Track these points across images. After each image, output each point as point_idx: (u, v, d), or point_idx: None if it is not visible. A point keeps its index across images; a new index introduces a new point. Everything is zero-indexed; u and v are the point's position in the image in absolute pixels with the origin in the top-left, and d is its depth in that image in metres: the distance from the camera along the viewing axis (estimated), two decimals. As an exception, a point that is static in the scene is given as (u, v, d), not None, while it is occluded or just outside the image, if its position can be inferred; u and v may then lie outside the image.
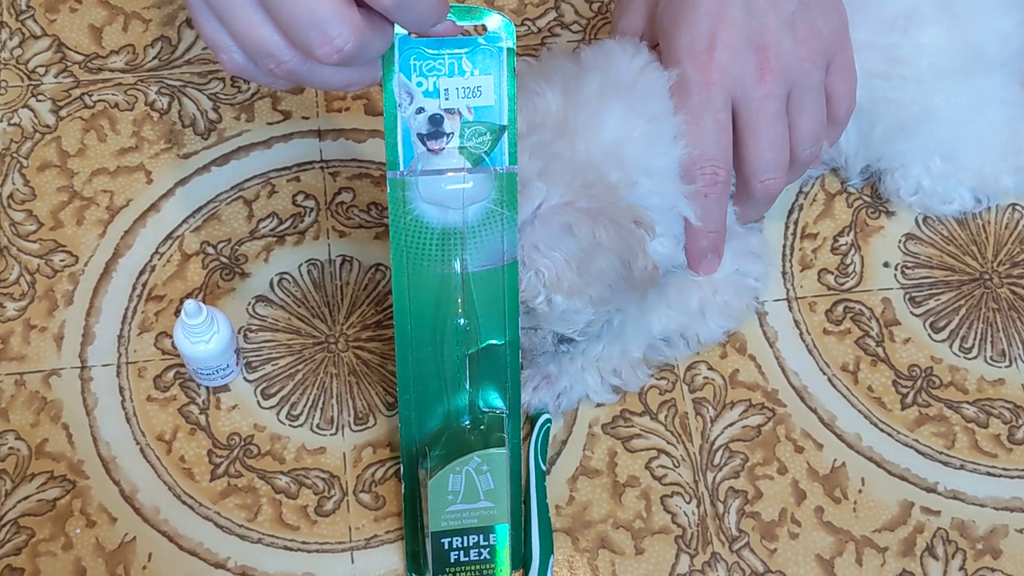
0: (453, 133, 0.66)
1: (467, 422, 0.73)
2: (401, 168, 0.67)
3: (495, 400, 0.73)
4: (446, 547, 0.71)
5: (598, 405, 0.82)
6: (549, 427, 0.80)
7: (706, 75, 0.74)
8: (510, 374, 0.72)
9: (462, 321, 0.70)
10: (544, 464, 0.79)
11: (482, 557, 0.72)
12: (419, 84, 0.65)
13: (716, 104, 0.74)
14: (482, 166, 0.67)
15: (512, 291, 0.70)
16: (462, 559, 0.72)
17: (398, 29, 0.63)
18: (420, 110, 0.66)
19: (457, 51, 0.65)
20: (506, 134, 0.67)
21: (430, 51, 0.64)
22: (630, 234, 0.70)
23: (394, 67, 0.64)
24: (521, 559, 0.76)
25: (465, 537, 0.72)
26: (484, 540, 0.72)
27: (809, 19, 0.75)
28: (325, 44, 0.57)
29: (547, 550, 0.76)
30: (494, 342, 0.71)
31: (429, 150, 0.67)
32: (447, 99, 0.66)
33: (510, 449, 0.72)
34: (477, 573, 0.73)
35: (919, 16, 0.82)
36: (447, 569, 0.72)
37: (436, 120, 0.66)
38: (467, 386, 0.72)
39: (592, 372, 0.80)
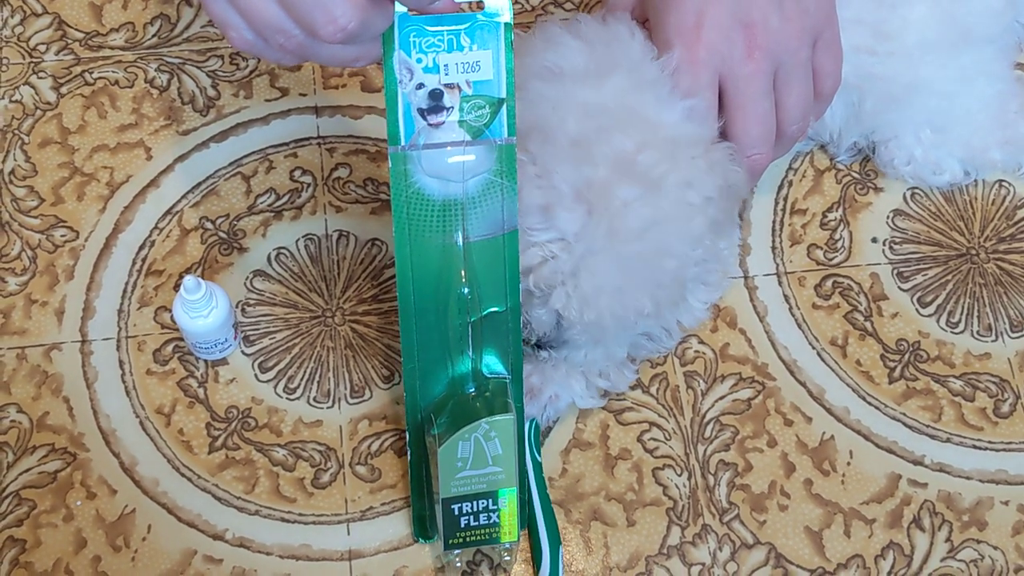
0: (453, 107, 0.65)
1: (472, 389, 0.71)
2: (402, 142, 0.65)
3: (497, 366, 0.71)
4: (456, 513, 0.70)
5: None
6: (536, 421, 0.77)
7: (694, 53, 0.72)
8: (512, 340, 0.71)
9: (465, 290, 0.69)
10: (540, 456, 0.76)
11: (491, 521, 0.70)
12: (419, 60, 0.63)
13: (703, 82, 0.72)
14: (482, 138, 0.65)
15: (512, 259, 0.68)
16: (471, 524, 0.70)
17: (398, 7, 0.61)
18: (420, 85, 0.64)
19: (456, 27, 0.63)
20: (505, 107, 0.65)
21: (429, 28, 0.63)
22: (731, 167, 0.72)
23: (394, 44, 0.63)
24: (526, 521, 0.74)
25: (474, 502, 0.70)
26: (492, 504, 0.70)
27: None
28: (329, 23, 0.57)
29: (555, 542, 0.73)
30: (495, 309, 0.70)
31: (430, 124, 0.65)
32: (446, 74, 0.64)
33: (515, 414, 0.70)
34: (485, 536, 0.71)
35: None
36: (457, 534, 0.70)
37: (436, 95, 0.64)
38: (470, 353, 0.70)
39: (577, 378, 0.77)
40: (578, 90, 0.70)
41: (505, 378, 0.71)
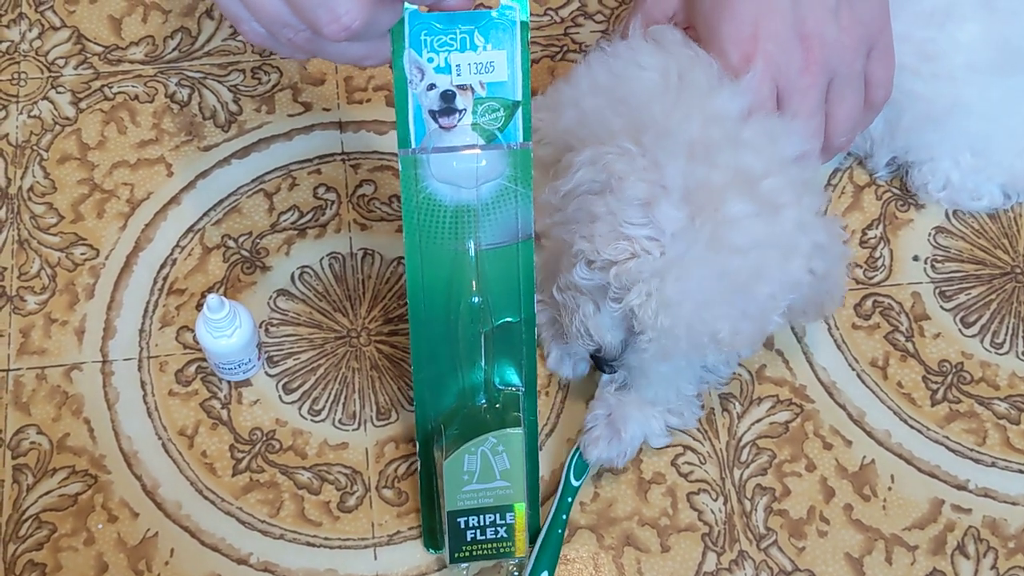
0: (465, 109, 0.66)
1: (483, 401, 0.73)
2: (413, 146, 0.66)
3: (511, 377, 0.73)
4: (462, 526, 0.71)
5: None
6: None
7: (751, 64, 0.74)
8: (525, 351, 0.72)
9: (476, 299, 0.70)
10: (577, 481, 0.77)
11: (499, 536, 0.72)
12: (430, 60, 0.64)
13: (764, 93, 0.74)
14: (495, 143, 0.66)
15: (527, 268, 0.70)
16: (479, 538, 0.72)
17: (407, 3, 0.62)
18: (431, 86, 0.65)
19: (469, 26, 0.64)
20: (520, 110, 0.66)
21: (441, 26, 0.63)
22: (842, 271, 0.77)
23: (404, 43, 0.63)
24: (536, 534, 0.76)
25: (481, 516, 0.72)
26: (500, 519, 0.72)
27: (852, 5, 0.75)
28: (332, 22, 0.58)
29: (545, 564, 0.75)
30: (509, 320, 0.71)
31: (441, 127, 0.66)
32: (459, 75, 0.65)
33: (526, 427, 0.72)
34: (494, 551, 0.73)
35: (958, 12, 0.82)
36: (464, 547, 0.72)
37: (448, 96, 0.65)
38: (482, 364, 0.72)
39: (654, 417, 0.78)
40: (698, 98, 0.72)
41: (518, 390, 0.73)
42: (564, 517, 0.76)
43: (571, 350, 0.77)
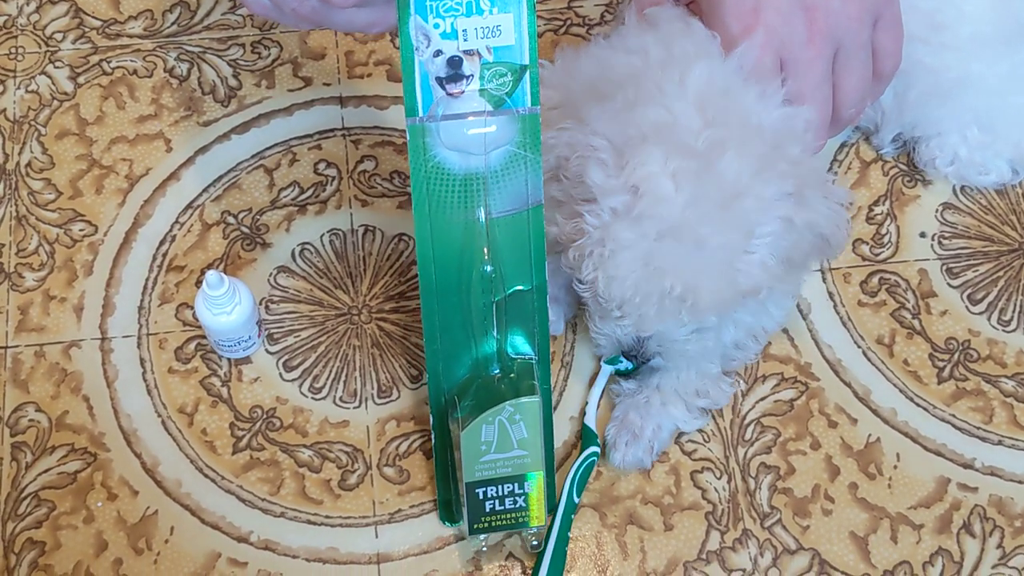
0: (473, 75, 0.65)
1: (496, 371, 0.73)
2: (420, 114, 0.66)
3: (523, 346, 0.73)
4: (481, 497, 0.72)
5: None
6: (594, 460, 0.78)
7: (753, 37, 0.74)
8: (538, 319, 0.72)
9: (488, 268, 0.70)
10: (578, 497, 0.77)
11: (517, 505, 0.72)
12: (436, 26, 0.64)
13: (767, 66, 0.74)
14: (504, 108, 0.66)
15: (538, 235, 0.70)
16: (497, 508, 0.72)
17: None
18: (438, 53, 0.65)
19: None
20: (528, 74, 0.66)
21: None
22: (837, 212, 0.70)
23: (410, 9, 0.63)
24: (554, 505, 0.76)
25: (500, 486, 0.72)
26: (519, 488, 0.72)
27: None
28: None
29: None
30: (520, 288, 0.71)
31: (448, 94, 0.66)
32: (466, 40, 0.65)
33: (541, 395, 0.72)
34: (512, 521, 0.73)
35: None
36: (482, 518, 0.72)
37: (455, 62, 0.65)
38: (495, 333, 0.72)
39: (676, 404, 0.78)
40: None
41: (531, 359, 0.73)
42: (568, 534, 0.76)
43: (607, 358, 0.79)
